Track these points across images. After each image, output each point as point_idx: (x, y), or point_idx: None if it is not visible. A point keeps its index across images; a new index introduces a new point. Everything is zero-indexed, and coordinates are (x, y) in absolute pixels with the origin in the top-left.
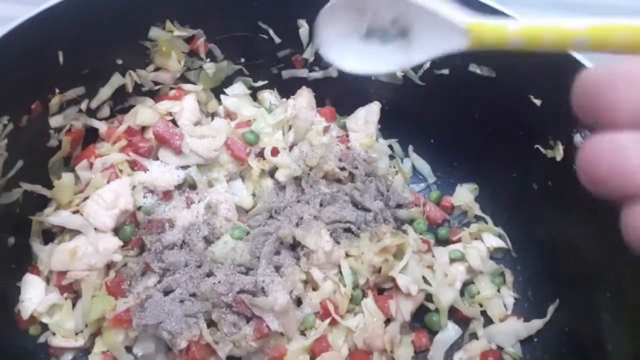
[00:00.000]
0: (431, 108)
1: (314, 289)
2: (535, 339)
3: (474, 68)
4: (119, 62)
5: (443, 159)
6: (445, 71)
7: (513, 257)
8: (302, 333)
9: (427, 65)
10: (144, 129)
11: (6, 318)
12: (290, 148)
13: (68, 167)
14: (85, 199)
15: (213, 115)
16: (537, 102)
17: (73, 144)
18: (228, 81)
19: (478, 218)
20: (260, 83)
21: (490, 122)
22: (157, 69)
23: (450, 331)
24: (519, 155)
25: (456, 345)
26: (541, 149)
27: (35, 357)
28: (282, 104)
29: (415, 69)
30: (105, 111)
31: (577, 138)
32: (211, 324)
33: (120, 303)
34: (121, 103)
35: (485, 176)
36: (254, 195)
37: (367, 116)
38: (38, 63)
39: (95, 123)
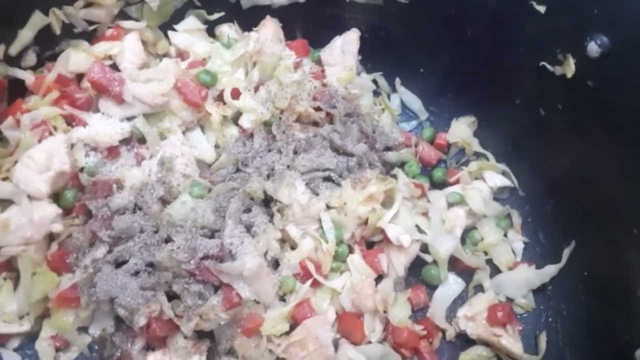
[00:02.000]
0: (418, 31)
1: (292, 248)
2: (550, 287)
3: None
4: None
5: (435, 91)
6: None
7: (520, 196)
8: (282, 298)
9: None
10: (80, 77)
11: None
12: (256, 89)
13: None
14: (15, 163)
15: (164, 57)
16: (541, 8)
17: None
18: (178, 16)
19: (478, 155)
20: (216, 15)
21: (486, 40)
22: (88, 5)
23: (451, 284)
24: (521, 77)
25: (460, 300)
26: (548, 66)
27: None
28: (242, 37)
29: None
30: (31, 58)
31: (592, 47)
32: (174, 296)
33: (65, 279)
34: (51, 49)
35: (484, 106)
36: (216, 146)
37: (344, 46)
38: None
39: (19, 73)
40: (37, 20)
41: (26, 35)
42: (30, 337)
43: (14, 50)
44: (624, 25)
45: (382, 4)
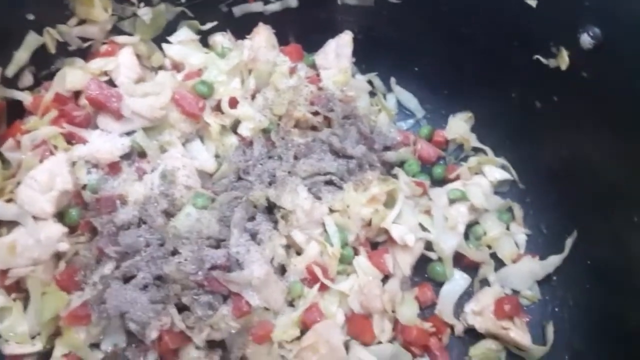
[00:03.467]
0: (411, 30)
1: (298, 253)
2: (555, 278)
3: None
4: (31, 17)
5: (431, 89)
6: None
7: (520, 188)
8: (291, 304)
9: None
10: (77, 94)
11: None
12: (253, 96)
13: None
14: (18, 184)
15: (159, 70)
16: (532, 2)
17: None
18: (171, 27)
19: (476, 150)
20: (209, 25)
21: (479, 37)
22: (81, 22)
23: (457, 280)
24: (516, 72)
25: (466, 295)
26: (542, 59)
27: None
28: (236, 46)
29: None
30: (28, 79)
31: (585, 38)
32: (183, 307)
33: (75, 298)
34: (46, 68)
35: (480, 101)
36: (217, 156)
37: (338, 49)
38: None
39: (17, 94)
40: (31, 40)
41: (22, 56)
42: (43, 356)
43: (10, 72)
44: (615, 16)
45: (373, 5)
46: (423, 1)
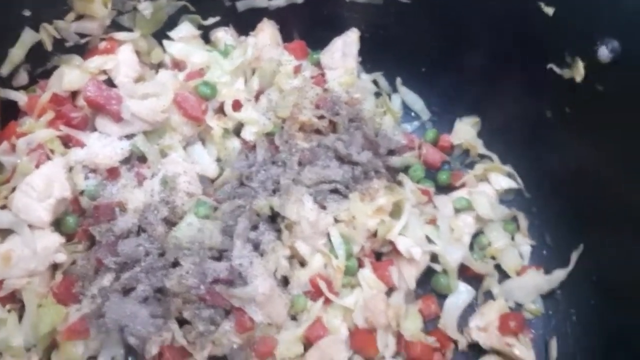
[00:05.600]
0: (420, 30)
1: (302, 265)
2: (559, 292)
3: None
4: (27, 13)
5: (438, 91)
6: None
7: (526, 198)
8: (293, 317)
9: None
10: (74, 94)
11: None
12: (256, 97)
13: None
14: (13, 190)
15: (158, 66)
16: (549, 10)
17: None
18: (172, 22)
19: (482, 157)
20: (211, 20)
21: (491, 40)
22: (79, 18)
23: (462, 293)
24: (527, 79)
25: (469, 307)
26: (555, 68)
27: None
28: (240, 43)
29: None
30: (23, 78)
31: (603, 51)
32: (184, 321)
33: (72, 311)
34: (42, 65)
35: (488, 107)
36: (218, 160)
37: (344, 48)
38: None
39: (12, 94)
40: (27, 37)
41: (17, 53)
42: None
43: (5, 70)
44: (636, 30)
45: (382, 3)
46: (434, 2)
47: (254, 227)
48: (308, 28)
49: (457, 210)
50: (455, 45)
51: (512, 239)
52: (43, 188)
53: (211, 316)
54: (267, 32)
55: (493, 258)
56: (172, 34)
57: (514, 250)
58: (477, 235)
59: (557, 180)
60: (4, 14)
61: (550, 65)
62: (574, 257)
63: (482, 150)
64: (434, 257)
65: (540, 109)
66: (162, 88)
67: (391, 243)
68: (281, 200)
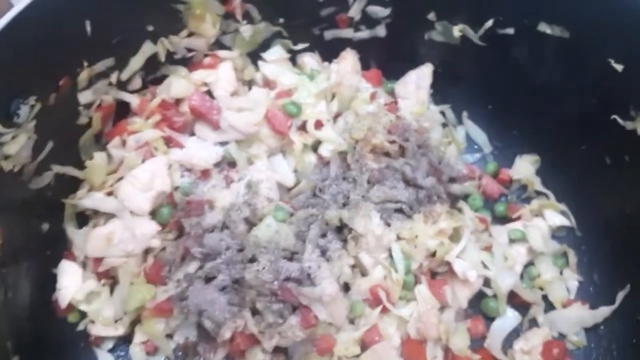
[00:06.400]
0: (491, 71)
1: (363, 275)
2: (602, 327)
3: (543, 27)
4: (150, 28)
5: (501, 127)
6: (510, 30)
7: (577, 236)
8: (351, 321)
9: (490, 23)
10: (178, 101)
11: (44, 306)
12: (334, 119)
13: (99, 146)
14: (119, 179)
15: (250, 83)
16: (619, 67)
17: (104, 120)
18: (265, 44)
19: (539, 193)
20: (300, 46)
21: (559, 87)
22: (190, 35)
23: (509, 318)
24: (590, 126)
25: (514, 332)
26: (619, 120)
27: (76, 345)
28: (324, 68)
29: (476, 27)
30: (137, 83)
31: None
32: (255, 312)
33: (160, 291)
34: (153, 73)
35: (549, 147)
36: (296, 171)
37: (418, 80)
38: (64, 35)
39: (127, 96)
40: (147, 49)
41: (137, 62)
42: (122, 340)
43: (124, 76)
44: None
45: (459, 43)
46: (508, 48)
47: (323, 235)
48: (385, 59)
49: (512, 241)
50: (522, 89)
51: (561, 273)
52: (147, 181)
53: (280, 310)
54: (349, 60)
55: (541, 289)
56: (265, 55)
57: (561, 283)
58: (527, 266)
59: (609, 222)
60: (131, 28)
61: (614, 116)
62: (620, 296)
63: (539, 187)
64: (486, 282)
65: (600, 154)
66: (256, 104)
67: (447, 264)
68: (350, 214)
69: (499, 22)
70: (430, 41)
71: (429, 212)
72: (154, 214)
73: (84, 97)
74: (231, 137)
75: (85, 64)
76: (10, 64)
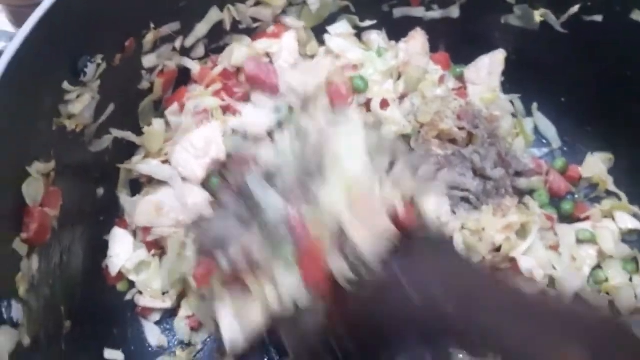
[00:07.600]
0: (569, 61)
1: None
2: None
3: (637, 16)
4: None
5: (573, 122)
6: (598, 18)
7: None
8: None
9: (576, 9)
10: (238, 71)
11: (95, 273)
12: (400, 100)
13: (157, 113)
14: (175, 146)
15: (311, 58)
16: None
17: (165, 86)
18: (331, 19)
19: (609, 193)
20: (367, 23)
21: None
22: (257, 4)
23: None
24: None
25: None
26: None
27: (124, 314)
28: (391, 47)
29: (559, 13)
30: (200, 50)
31: None
32: None
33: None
34: (216, 42)
35: (625, 146)
36: None
37: (491, 66)
38: None
39: (189, 63)
40: (213, 15)
41: (202, 29)
42: (168, 313)
43: (188, 42)
44: None
45: (537, 29)
46: (593, 38)
47: None
48: (454, 42)
49: (580, 241)
50: (602, 82)
51: (630, 279)
52: (202, 147)
53: None
54: (418, 40)
55: (607, 294)
56: (330, 29)
57: (630, 290)
58: (594, 269)
59: None
60: None
61: None
62: None
63: (611, 187)
64: (551, 282)
65: None
66: (319, 68)
67: (511, 260)
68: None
69: (586, 8)
70: (506, 25)
71: (498, 204)
72: (203, 185)
73: (147, 60)
74: (289, 101)
75: (152, 25)
76: (80, 20)
